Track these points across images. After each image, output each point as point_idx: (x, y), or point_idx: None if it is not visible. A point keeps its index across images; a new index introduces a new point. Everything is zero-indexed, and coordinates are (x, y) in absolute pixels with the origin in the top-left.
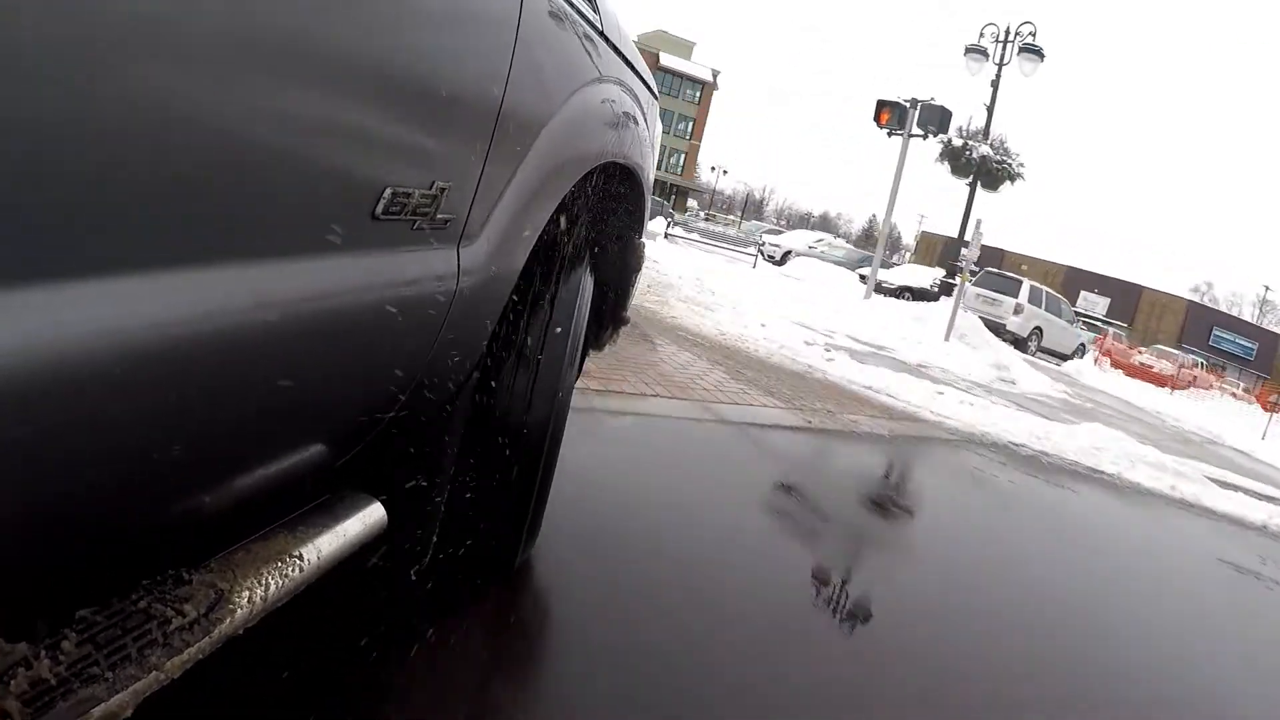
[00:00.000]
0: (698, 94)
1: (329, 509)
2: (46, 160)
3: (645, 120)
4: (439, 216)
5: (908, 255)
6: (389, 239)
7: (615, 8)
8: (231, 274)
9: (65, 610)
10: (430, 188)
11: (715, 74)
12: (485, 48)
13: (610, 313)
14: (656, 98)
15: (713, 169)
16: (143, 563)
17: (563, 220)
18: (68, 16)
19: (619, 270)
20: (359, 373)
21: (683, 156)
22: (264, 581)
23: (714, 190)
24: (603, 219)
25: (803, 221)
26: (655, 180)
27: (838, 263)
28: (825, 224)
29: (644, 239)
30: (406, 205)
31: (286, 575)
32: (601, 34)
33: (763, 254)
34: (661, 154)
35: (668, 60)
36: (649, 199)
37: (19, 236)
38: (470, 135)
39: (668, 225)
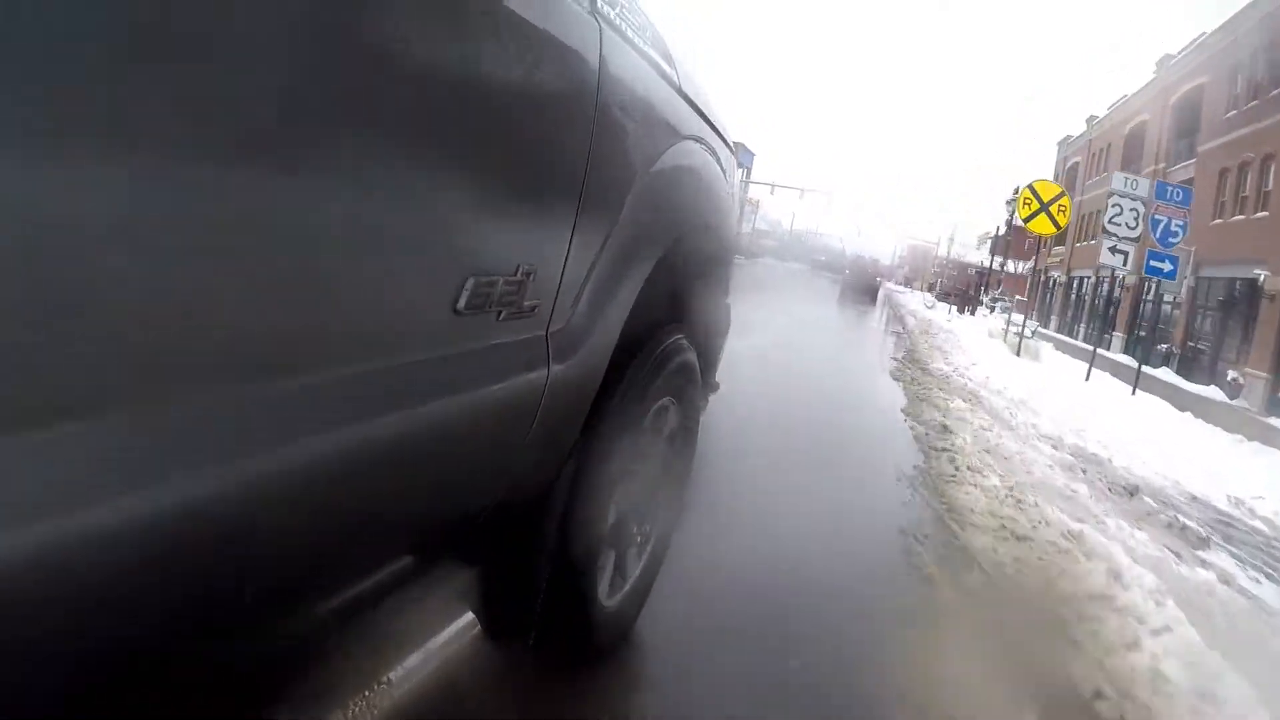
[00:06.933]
0: None
1: (424, 601)
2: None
3: (725, 176)
4: (525, 303)
5: None
6: (474, 333)
7: (691, 63)
8: (307, 388)
9: None
10: (515, 273)
11: None
12: (565, 118)
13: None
14: (734, 151)
15: None
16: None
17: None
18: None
19: (706, 334)
20: (449, 479)
21: None
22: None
23: None
24: (690, 283)
25: None
26: None
27: None
28: None
29: (728, 300)
30: (490, 295)
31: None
32: (679, 91)
33: None
34: None
35: None
36: (733, 258)
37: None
38: (553, 211)
39: None
